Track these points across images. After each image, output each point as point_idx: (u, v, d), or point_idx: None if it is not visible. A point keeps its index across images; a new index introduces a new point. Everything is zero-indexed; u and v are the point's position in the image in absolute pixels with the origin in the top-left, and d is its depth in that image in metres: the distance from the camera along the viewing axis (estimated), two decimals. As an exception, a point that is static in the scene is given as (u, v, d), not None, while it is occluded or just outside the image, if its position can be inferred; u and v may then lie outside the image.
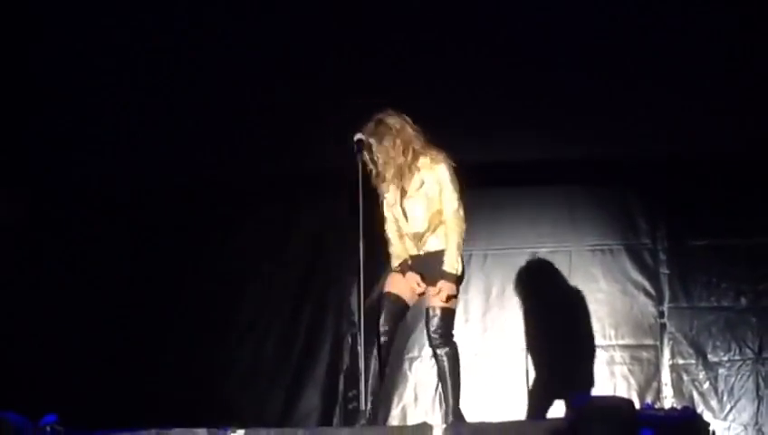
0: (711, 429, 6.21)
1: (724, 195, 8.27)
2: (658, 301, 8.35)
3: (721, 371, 8.19)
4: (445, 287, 6.39)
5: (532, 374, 8.26)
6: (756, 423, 8.09)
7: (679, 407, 7.68)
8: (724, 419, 8.11)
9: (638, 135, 8.08)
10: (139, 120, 8.26)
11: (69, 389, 7.86)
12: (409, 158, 6.42)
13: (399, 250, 6.59)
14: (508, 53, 7.91)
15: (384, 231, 6.62)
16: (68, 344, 8.30)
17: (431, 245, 6.51)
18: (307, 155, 8.23)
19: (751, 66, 7.83)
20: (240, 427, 6.12)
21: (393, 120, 6.45)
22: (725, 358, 8.21)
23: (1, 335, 8.20)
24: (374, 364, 6.40)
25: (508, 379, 8.29)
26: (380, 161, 6.46)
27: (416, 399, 8.36)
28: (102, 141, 8.33)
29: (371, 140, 6.44)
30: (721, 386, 8.17)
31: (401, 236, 6.60)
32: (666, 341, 8.29)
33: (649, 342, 8.32)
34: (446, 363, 6.43)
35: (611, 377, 8.28)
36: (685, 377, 8.24)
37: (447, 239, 6.43)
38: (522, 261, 8.44)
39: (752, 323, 8.23)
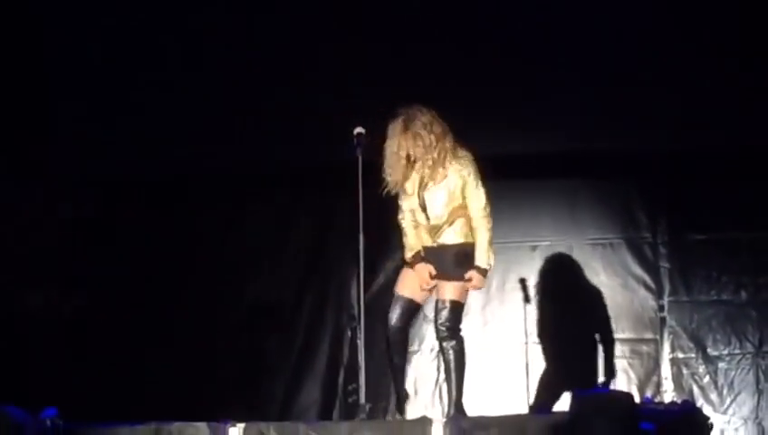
0: (711, 422, 6.20)
1: (723, 189, 8.27)
2: (659, 295, 8.35)
3: (721, 364, 8.20)
4: (476, 278, 6.45)
5: (533, 368, 8.26)
6: (756, 417, 8.09)
7: (679, 401, 7.72)
8: (724, 412, 8.12)
9: (639, 129, 8.08)
10: (139, 117, 8.26)
11: (69, 382, 7.87)
12: (440, 153, 6.44)
13: (414, 241, 6.58)
14: (508, 49, 7.92)
15: (399, 221, 6.63)
16: (67, 338, 8.31)
17: (447, 237, 6.52)
18: (307, 150, 8.23)
19: (751, 62, 7.83)
20: (240, 420, 6.14)
21: (426, 118, 6.47)
22: (725, 352, 8.22)
23: (0, 330, 8.21)
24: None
25: (508, 372, 8.29)
26: (413, 154, 6.46)
27: (415, 393, 8.35)
28: (102, 140, 8.32)
29: (405, 133, 6.44)
30: (721, 380, 8.18)
31: (416, 227, 6.59)
32: (666, 334, 8.29)
33: (649, 335, 8.32)
34: (451, 356, 6.47)
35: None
36: (685, 371, 8.24)
37: (477, 235, 6.46)
38: (522, 255, 8.45)
39: (752, 316, 8.24)
